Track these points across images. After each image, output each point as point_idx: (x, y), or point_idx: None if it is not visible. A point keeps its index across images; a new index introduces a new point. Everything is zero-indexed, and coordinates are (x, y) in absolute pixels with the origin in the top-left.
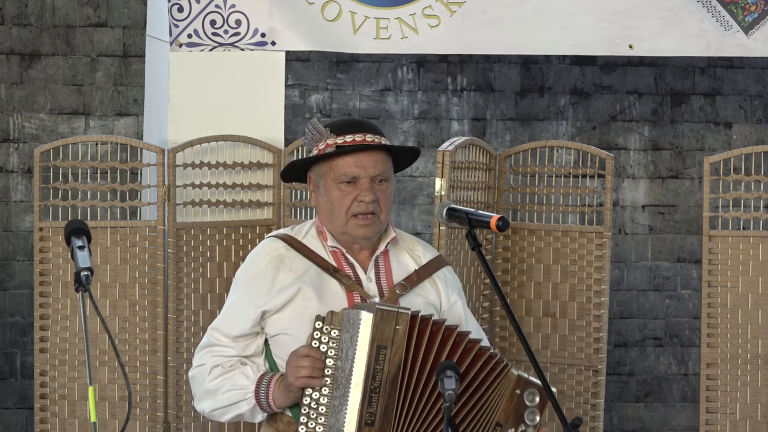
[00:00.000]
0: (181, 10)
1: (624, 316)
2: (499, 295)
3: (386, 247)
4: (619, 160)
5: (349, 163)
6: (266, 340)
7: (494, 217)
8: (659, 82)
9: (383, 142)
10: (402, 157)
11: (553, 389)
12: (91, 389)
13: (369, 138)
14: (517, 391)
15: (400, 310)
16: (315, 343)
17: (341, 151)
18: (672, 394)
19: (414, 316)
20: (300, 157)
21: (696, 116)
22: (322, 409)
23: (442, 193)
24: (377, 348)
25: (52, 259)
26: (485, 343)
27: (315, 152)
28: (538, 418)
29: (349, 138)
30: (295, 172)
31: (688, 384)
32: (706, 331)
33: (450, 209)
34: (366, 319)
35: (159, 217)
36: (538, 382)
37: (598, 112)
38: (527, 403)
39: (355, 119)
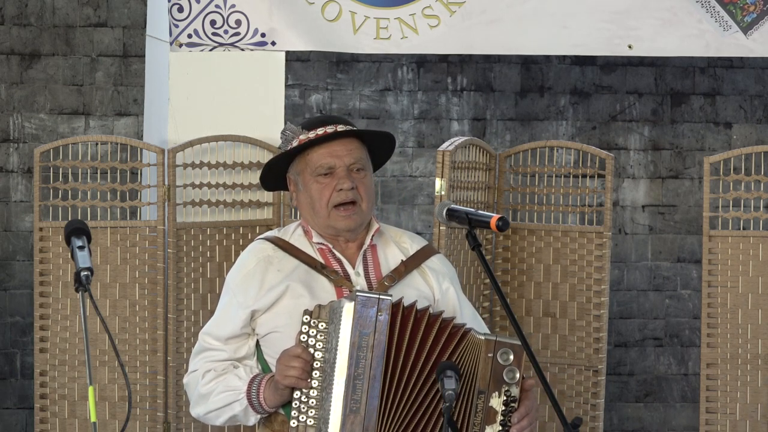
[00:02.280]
0: (181, 10)
1: (624, 316)
2: (499, 295)
3: (372, 241)
4: (619, 160)
5: (323, 154)
6: (257, 342)
7: (494, 217)
8: (659, 82)
9: (354, 129)
10: (380, 150)
11: (549, 381)
12: (91, 389)
13: (340, 128)
14: (489, 355)
15: (381, 297)
16: (303, 337)
17: (313, 142)
18: (672, 394)
19: (396, 303)
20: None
21: (696, 116)
22: (312, 402)
23: (442, 193)
24: (360, 335)
25: (52, 259)
26: (482, 327)
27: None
28: (517, 375)
29: (320, 131)
30: (275, 179)
31: (688, 384)
32: (706, 331)
33: (450, 209)
34: (348, 307)
35: (159, 217)
36: (510, 340)
37: (598, 112)
38: (502, 362)
39: (326, 115)
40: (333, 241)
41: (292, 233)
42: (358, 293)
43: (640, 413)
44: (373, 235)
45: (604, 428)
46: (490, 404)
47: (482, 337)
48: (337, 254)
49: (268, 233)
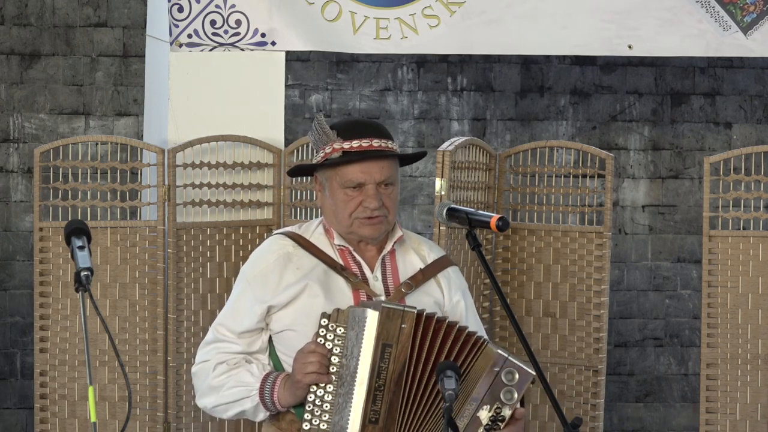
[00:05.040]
0: (181, 10)
1: (624, 316)
2: (499, 295)
3: (393, 246)
4: (619, 160)
5: (356, 170)
6: (270, 339)
7: (494, 217)
8: (659, 82)
9: (390, 146)
10: (409, 158)
11: (548, 386)
12: (91, 389)
13: (375, 143)
14: (495, 369)
15: (405, 309)
16: (320, 340)
17: (348, 158)
18: (672, 394)
19: (419, 314)
20: (303, 157)
21: (696, 116)
22: (326, 407)
23: (442, 193)
24: (383, 346)
25: (52, 259)
26: None
27: (321, 155)
28: (515, 397)
29: (355, 143)
30: (302, 168)
31: (688, 384)
32: (706, 331)
33: (450, 209)
34: (372, 317)
35: (159, 217)
36: (521, 364)
37: (598, 112)
38: (505, 381)
39: (362, 121)
40: (353, 243)
41: (313, 231)
42: (383, 303)
43: (640, 413)
44: (395, 242)
45: (604, 428)
46: (477, 414)
47: (495, 350)
48: (357, 257)
49: (288, 228)
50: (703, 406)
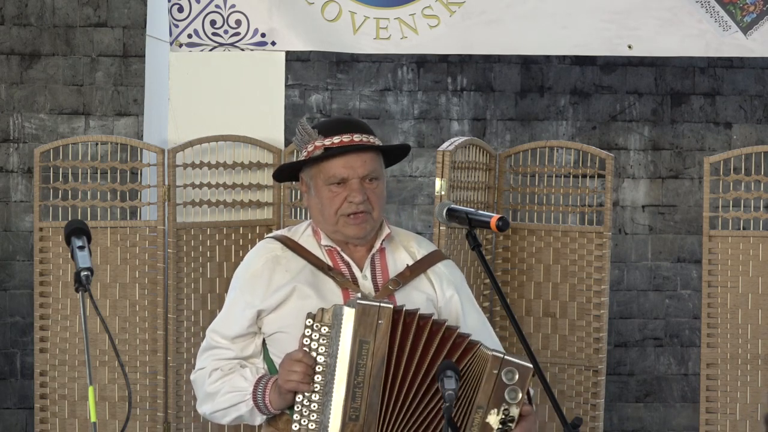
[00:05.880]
0: (181, 10)
1: (624, 316)
2: (499, 295)
3: (382, 244)
4: (619, 160)
5: (338, 164)
6: (264, 341)
7: (494, 217)
8: (659, 82)
9: (371, 140)
10: (394, 153)
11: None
12: (91, 389)
13: (356, 138)
14: (495, 371)
15: (382, 305)
16: (306, 341)
17: (329, 153)
18: (672, 394)
19: (397, 310)
20: (296, 158)
21: (696, 116)
22: (314, 406)
23: (442, 193)
24: (360, 343)
25: (52, 259)
26: (490, 337)
27: (304, 154)
28: (519, 396)
29: (336, 139)
30: (288, 173)
31: (688, 384)
32: (706, 331)
33: (450, 209)
34: (348, 314)
35: (159, 217)
36: (518, 360)
37: (598, 112)
38: (506, 381)
39: (343, 118)
40: (341, 244)
41: (302, 233)
42: (358, 300)
43: (640, 413)
44: (383, 240)
45: (604, 428)
46: (486, 420)
47: (489, 353)
48: (345, 257)
49: (278, 232)
50: (703, 406)
